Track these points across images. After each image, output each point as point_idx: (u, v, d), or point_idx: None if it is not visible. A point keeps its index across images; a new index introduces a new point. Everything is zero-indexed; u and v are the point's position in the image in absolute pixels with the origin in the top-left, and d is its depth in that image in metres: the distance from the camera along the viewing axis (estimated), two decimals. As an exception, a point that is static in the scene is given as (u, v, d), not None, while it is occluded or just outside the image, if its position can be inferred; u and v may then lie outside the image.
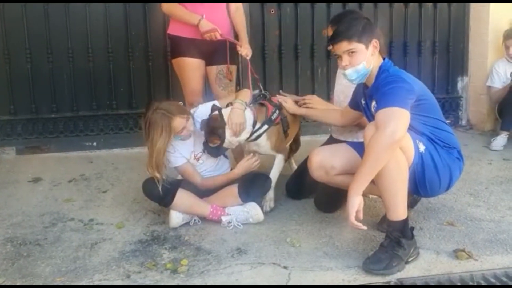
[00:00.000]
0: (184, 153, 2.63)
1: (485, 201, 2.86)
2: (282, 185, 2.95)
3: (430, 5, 4.70)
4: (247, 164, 2.65)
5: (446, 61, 4.83)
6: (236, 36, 3.18)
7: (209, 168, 2.71)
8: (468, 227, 2.50)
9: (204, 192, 2.64)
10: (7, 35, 3.89)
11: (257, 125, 2.65)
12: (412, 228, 2.19)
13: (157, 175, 2.45)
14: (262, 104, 2.79)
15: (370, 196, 2.65)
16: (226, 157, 2.80)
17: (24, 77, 3.94)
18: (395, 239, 2.08)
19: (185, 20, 3.03)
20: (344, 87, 2.78)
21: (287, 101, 2.86)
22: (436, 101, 2.29)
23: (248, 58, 3.06)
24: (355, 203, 2.01)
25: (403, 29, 4.67)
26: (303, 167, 2.67)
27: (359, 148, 2.24)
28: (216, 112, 2.55)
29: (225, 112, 2.56)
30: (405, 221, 2.10)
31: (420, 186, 2.21)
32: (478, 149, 4.04)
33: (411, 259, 2.12)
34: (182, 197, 2.52)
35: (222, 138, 2.54)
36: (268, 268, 2.11)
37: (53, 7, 3.92)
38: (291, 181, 2.96)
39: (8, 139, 3.98)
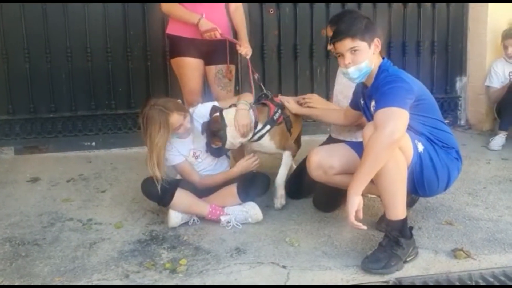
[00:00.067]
0: (182, 151, 2.62)
1: (483, 200, 2.86)
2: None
3: (428, 5, 4.71)
4: (246, 163, 2.65)
5: (444, 61, 4.83)
6: (235, 36, 3.18)
7: (207, 167, 2.71)
8: (466, 226, 2.50)
9: (203, 192, 2.64)
10: (6, 34, 3.88)
11: (259, 126, 2.65)
12: (411, 228, 2.19)
13: (157, 173, 2.44)
14: (264, 104, 2.79)
15: (369, 195, 2.65)
16: (227, 156, 2.80)
17: (23, 76, 3.93)
18: (394, 239, 2.08)
19: (184, 20, 3.02)
20: (344, 87, 2.78)
21: (289, 101, 2.87)
22: (435, 101, 2.29)
23: (248, 57, 3.05)
24: (355, 202, 2.01)
25: (401, 29, 4.67)
26: (302, 167, 2.67)
27: (358, 147, 2.24)
28: (217, 113, 2.55)
29: (227, 113, 2.56)
30: (404, 220, 2.10)
31: (419, 186, 2.21)
32: (476, 148, 4.04)
33: (409, 258, 2.12)
34: (181, 196, 2.51)
35: (223, 139, 2.54)
36: (267, 268, 2.11)
37: (52, 7, 3.92)
38: (290, 181, 2.95)
39: (6, 139, 3.97)
